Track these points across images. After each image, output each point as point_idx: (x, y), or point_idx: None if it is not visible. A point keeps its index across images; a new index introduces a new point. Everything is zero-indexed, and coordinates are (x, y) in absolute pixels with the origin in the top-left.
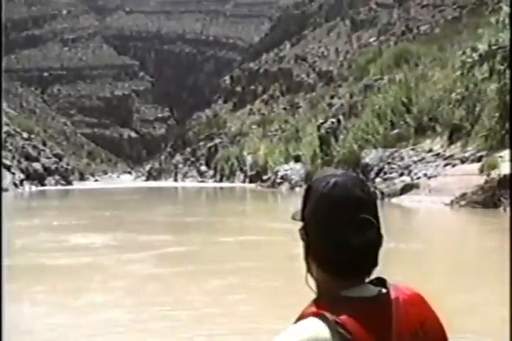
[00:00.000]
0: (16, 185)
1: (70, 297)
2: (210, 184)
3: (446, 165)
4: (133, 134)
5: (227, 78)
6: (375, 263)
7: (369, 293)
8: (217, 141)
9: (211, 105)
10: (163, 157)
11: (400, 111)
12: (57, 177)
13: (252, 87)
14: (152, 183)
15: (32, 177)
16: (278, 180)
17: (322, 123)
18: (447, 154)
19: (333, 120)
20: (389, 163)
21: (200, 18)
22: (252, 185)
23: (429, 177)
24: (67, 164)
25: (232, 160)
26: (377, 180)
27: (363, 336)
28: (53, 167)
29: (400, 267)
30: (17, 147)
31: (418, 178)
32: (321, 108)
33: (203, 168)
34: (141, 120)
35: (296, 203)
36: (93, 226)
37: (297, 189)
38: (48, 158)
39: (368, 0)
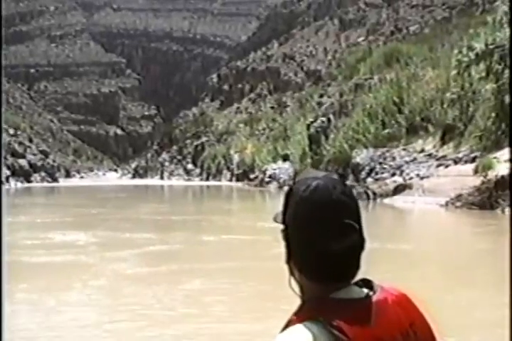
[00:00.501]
0: (1, 181)
1: (46, 296)
2: (197, 182)
3: (438, 165)
4: (119, 132)
5: (214, 76)
6: (357, 267)
7: (357, 295)
8: (204, 139)
9: (198, 103)
10: (149, 155)
11: (392, 110)
12: (43, 174)
13: (240, 86)
14: (138, 181)
15: (18, 173)
16: (266, 179)
17: (312, 122)
18: (440, 154)
19: (323, 119)
20: (380, 163)
21: (187, 16)
22: (239, 184)
23: (422, 178)
24: (53, 161)
25: (218, 159)
26: (369, 180)
27: (360, 337)
28: (39, 163)
29: (392, 267)
30: (3, 143)
31: (410, 179)
32: (309, 107)
33: (190, 166)
34: (127, 117)
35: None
36: (77, 224)
37: (286, 188)
38: (34, 154)
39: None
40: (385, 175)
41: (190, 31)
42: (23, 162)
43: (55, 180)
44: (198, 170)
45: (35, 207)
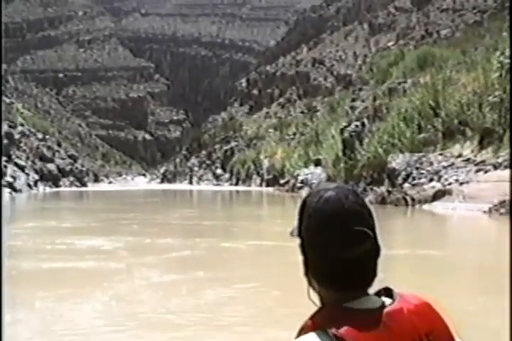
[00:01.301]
0: (29, 185)
1: (59, 303)
2: (226, 187)
3: (478, 170)
4: (148, 136)
5: (243, 81)
6: (373, 275)
7: (372, 305)
8: (233, 144)
9: (227, 108)
10: (178, 159)
11: (427, 114)
12: (71, 178)
13: (269, 90)
14: (167, 186)
15: (46, 178)
16: (298, 185)
17: (345, 127)
18: (478, 159)
19: (357, 123)
20: (417, 168)
21: (216, 21)
22: (270, 189)
23: (461, 184)
24: (82, 165)
25: (248, 164)
26: (406, 185)
27: None
28: (68, 168)
29: (434, 275)
30: (31, 147)
31: (449, 184)
32: (341, 111)
33: (219, 171)
34: (156, 122)
35: None
36: (105, 229)
37: None
38: (63, 159)
39: (386, 4)
40: (423, 180)
41: (219, 36)
42: (51, 166)
43: (83, 184)
44: (227, 175)
45: (64, 212)
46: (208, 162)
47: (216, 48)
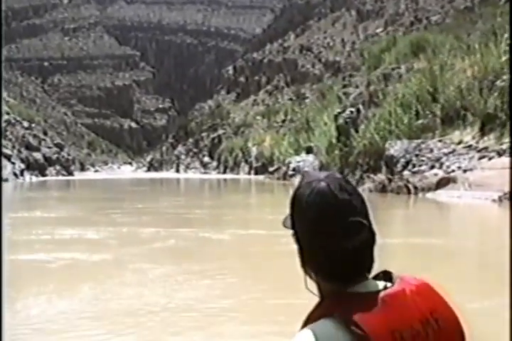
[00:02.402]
0: (16, 175)
1: (36, 298)
2: (214, 175)
3: (481, 157)
4: (133, 125)
5: (230, 68)
6: (371, 261)
7: (374, 288)
8: (220, 131)
9: (213, 96)
10: (164, 148)
11: (426, 100)
12: (58, 167)
13: (256, 78)
14: (153, 174)
15: (32, 167)
16: (290, 172)
17: (339, 113)
18: (480, 146)
19: (352, 109)
20: (417, 155)
21: (201, 9)
22: (260, 177)
23: (465, 171)
24: (68, 154)
25: (236, 152)
26: (405, 172)
27: (376, 330)
28: (54, 157)
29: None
30: (17, 136)
31: (452, 171)
32: (332, 98)
33: (206, 159)
34: (141, 110)
35: None
36: (93, 219)
37: None
38: (49, 147)
39: None
40: (423, 167)
41: (204, 24)
42: (37, 155)
43: (70, 173)
44: (214, 163)
45: (52, 202)
46: (195, 150)
47: (202, 36)
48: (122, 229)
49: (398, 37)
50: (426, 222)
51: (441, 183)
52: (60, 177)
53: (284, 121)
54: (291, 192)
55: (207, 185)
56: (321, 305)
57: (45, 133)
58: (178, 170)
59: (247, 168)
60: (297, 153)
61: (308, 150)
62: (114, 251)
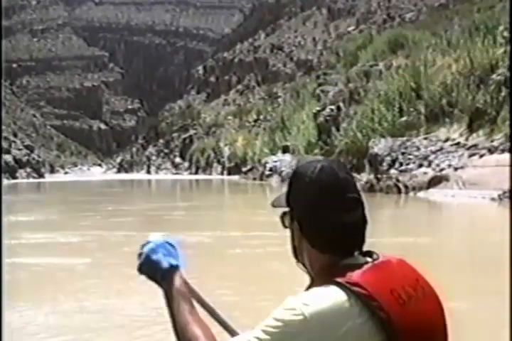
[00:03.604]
0: (1, 178)
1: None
2: (186, 176)
3: (471, 155)
4: (103, 126)
5: (200, 68)
6: (363, 239)
7: (363, 261)
8: (191, 132)
9: (182, 96)
10: (134, 149)
11: (409, 97)
12: (28, 169)
13: (226, 77)
14: (124, 176)
15: (3, 169)
16: (267, 172)
17: (319, 111)
18: (470, 143)
19: (332, 107)
20: (403, 154)
21: (170, 9)
22: (234, 177)
23: (456, 169)
24: (39, 156)
25: (208, 152)
26: (392, 171)
27: (377, 289)
28: (24, 159)
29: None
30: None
31: (442, 170)
32: (307, 96)
33: (178, 159)
34: (111, 112)
35: None
36: (69, 222)
37: None
38: (19, 149)
39: None
40: (411, 166)
41: (173, 24)
42: (8, 158)
43: (41, 175)
44: (186, 164)
45: (27, 204)
46: (166, 151)
47: (170, 36)
48: (101, 233)
49: (374, 34)
50: (424, 221)
51: (433, 182)
52: (31, 180)
53: (256, 120)
54: (268, 192)
55: (181, 187)
56: (317, 278)
57: (15, 135)
58: (149, 172)
59: (219, 169)
60: (273, 152)
61: (285, 150)
62: (91, 254)
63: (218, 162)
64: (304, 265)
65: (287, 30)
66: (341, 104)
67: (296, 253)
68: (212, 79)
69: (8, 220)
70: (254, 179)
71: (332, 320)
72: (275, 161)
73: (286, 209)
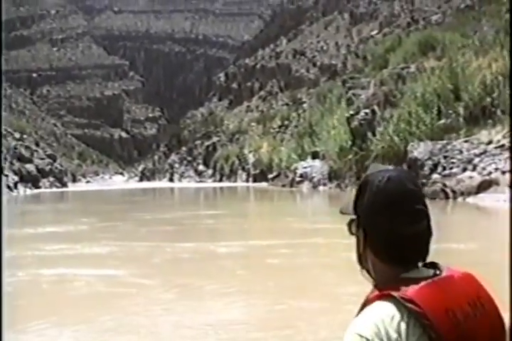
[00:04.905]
0: (9, 187)
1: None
2: (210, 184)
3: None
4: (124, 134)
5: (221, 75)
6: (427, 251)
7: (425, 274)
8: (214, 139)
9: (203, 104)
10: (156, 157)
11: (447, 99)
12: (51, 179)
13: (249, 84)
14: (147, 184)
15: (26, 179)
16: (297, 179)
17: (352, 115)
18: None
19: (367, 111)
20: (445, 157)
21: (189, 17)
22: (261, 184)
23: (504, 172)
24: (61, 165)
25: (232, 159)
26: (434, 176)
27: (432, 307)
28: (47, 168)
29: None
30: (9, 148)
31: (489, 174)
32: (335, 101)
33: (201, 167)
34: (131, 120)
35: (329, 203)
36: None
37: (321, 188)
38: (42, 159)
39: None
40: (455, 170)
41: (192, 32)
42: (30, 167)
43: (63, 185)
44: (210, 172)
45: (56, 215)
46: (189, 158)
47: (190, 44)
48: (125, 244)
49: (403, 37)
50: (476, 228)
51: (483, 186)
52: (54, 189)
53: (280, 126)
54: (299, 199)
55: (205, 195)
56: (378, 288)
57: (37, 145)
58: (171, 179)
59: (244, 176)
60: (301, 158)
61: (315, 156)
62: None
63: (243, 169)
64: (368, 272)
65: (309, 36)
66: (376, 108)
67: (361, 260)
68: (235, 85)
69: (36, 231)
70: (284, 186)
71: (390, 337)
72: (305, 167)
73: (353, 216)
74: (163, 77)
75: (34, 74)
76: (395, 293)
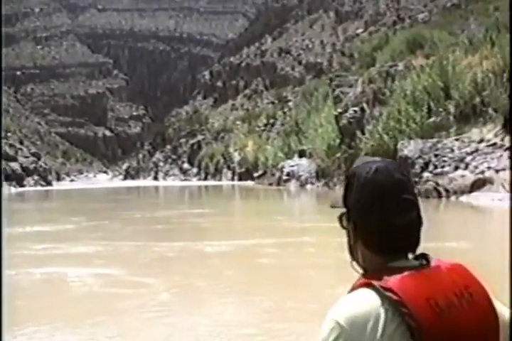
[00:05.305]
0: (1, 185)
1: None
2: (195, 182)
3: None
4: (108, 133)
5: (206, 73)
6: (418, 241)
7: (413, 264)
8: (199, 137)
9: (187, 102)
10: (140, 155)
11: (438, 97)
12: (36, 177)
13: (234, 82)
14: (131, 182)
15: (10, 177)
16: (284, 177)
17: (341, 113)
18: (507, 144)
19: (356, 109)
20: (436, 156)
21: (173, 15)
22: (246, 183)
23: (497, 171)
24: (45, 164)
25: (217, 157)
26: (425, 174)
27: (411, 296)
28: (32, 167)
29: None
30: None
31: (482, 172)
32: (321, 99)
33: (186, 165)
34: (115, 118)
35: (316, 202)
36: (82, 233)
37: (308, 186)
38: (26, 157)
39: None
40: (447, 168)
41: (177, 30)
42: (15, 165)
43: (48, 183)
44: (195, 170)
45: (43, 214)
46: (173, 157)
47: (174, 42)
48: (125, 243)
49: (390, 35)
50: (471, 227)
51: (476, 185)
52: (39, 188)
53: (266, 125)
54: (287, 197)
55: (191, 193)
56: (365, 276)
57: (21, 143)
58: (156, 178)
59: (229, 174)
60: (288, 157)
61: (302, 154)
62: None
63: (228, 167)
64: (358, 263)
65: (294, 34)
66: (365, 106)
67: (352, 252)
68: (219, 84)
69: (24, 231)
70: (270, 184)
71: (367, 325)
72: (292, 166)
73: (344, 209)
74: (148, 76)
75: (18, 73)
76: (375, 282)
